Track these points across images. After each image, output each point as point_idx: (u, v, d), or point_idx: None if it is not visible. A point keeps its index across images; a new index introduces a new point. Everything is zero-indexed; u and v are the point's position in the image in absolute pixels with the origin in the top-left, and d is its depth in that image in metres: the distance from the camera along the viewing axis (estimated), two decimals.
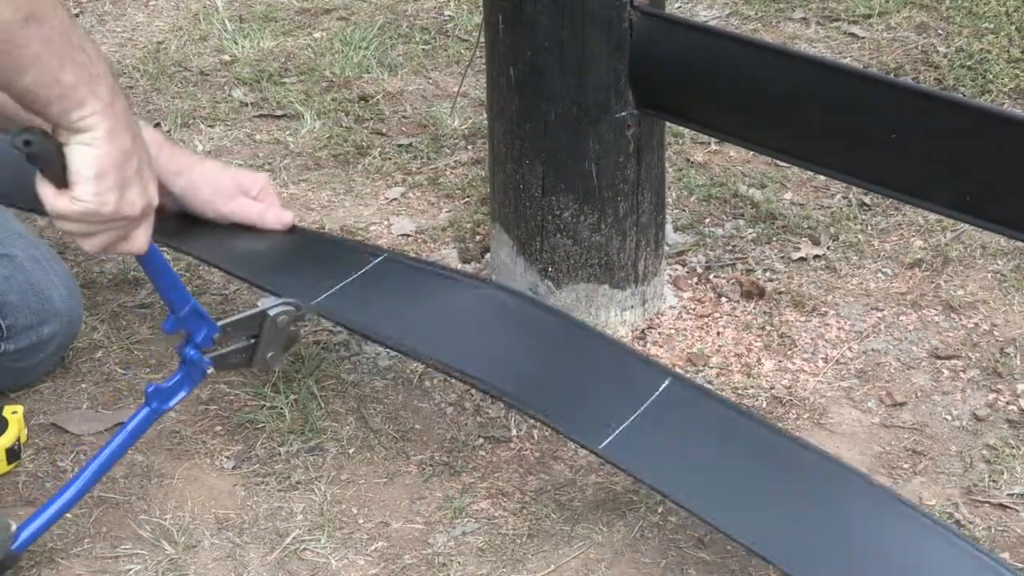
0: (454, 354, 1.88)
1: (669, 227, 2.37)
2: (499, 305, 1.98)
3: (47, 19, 1.34)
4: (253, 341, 1.82)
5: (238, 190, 2.02)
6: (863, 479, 1.72)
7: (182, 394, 1.80)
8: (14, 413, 1.91)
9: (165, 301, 1.75)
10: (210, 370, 1.79)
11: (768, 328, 2.21)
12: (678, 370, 2.02)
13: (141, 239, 1.54)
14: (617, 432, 1.74)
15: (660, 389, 1.79)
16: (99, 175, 1.42)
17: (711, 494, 1.69)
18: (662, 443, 1.75)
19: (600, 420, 1.76)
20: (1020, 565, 1.77)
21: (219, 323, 1.78)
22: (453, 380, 2.11)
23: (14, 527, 1.69)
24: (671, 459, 1.74)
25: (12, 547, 1.68)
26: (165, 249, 2.07)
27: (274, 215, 2.04)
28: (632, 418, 1.76)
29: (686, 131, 2.66)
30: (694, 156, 2.66)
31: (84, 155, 1.41)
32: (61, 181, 1.44)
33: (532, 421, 2.03)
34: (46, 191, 1.45)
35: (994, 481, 1.91)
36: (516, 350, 1.92)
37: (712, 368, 2.13)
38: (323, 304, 1.93)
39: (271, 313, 1.81)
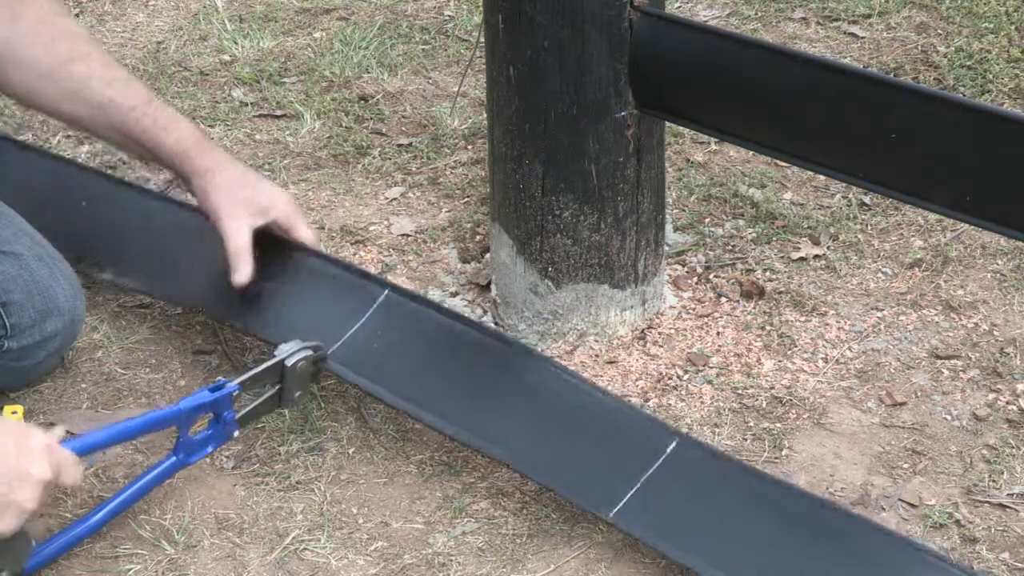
0: (461, 423, 1.89)
1: (669, 227, 2.37)
2: (504, 363, 1.97)
3: None
4: (278, 388, 1.86)
5: (254, 211, 2.01)
6: (881, 532, 1.73)
7: (209, 450, 1.84)
8: (14, 413, 1.91)
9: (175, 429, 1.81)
10: (236, 432, 1.85)
11: (768, 328, 2.21)
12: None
13: (70, 481, 1.64)
14: (627, 498, 1.76)
15: (668, 450, 1.81)
16: None
17: (730, 560, 1.70)
18: (673, 507, 1.77)
19: (610, 486, 1.78)
20: (1021, 565, 1.78)
21: (238, 380, 1.82)
22: None
23: (34, 544, 1.71)
24: (683, 523, 1.76)
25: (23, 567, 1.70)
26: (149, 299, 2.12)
27: (243, 274, 2.00)
28: (641, 482, 1.78)
29: (686, 131, 2.66)
30: (694, 156, 2.67)
31: None
32: None
33: None
34: None
35: (994, 481, 1.91)
36: (521, 414, 1.92)
37: (712, 368, 2.13)
38: (335, 355, 1.95)
39: (289, 363, 1.85)
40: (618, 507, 1.76)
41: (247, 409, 1.85)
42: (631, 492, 1.77)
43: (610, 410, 1.89)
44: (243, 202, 1.98)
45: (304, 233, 2.04)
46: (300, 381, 1.88)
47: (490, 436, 1.87)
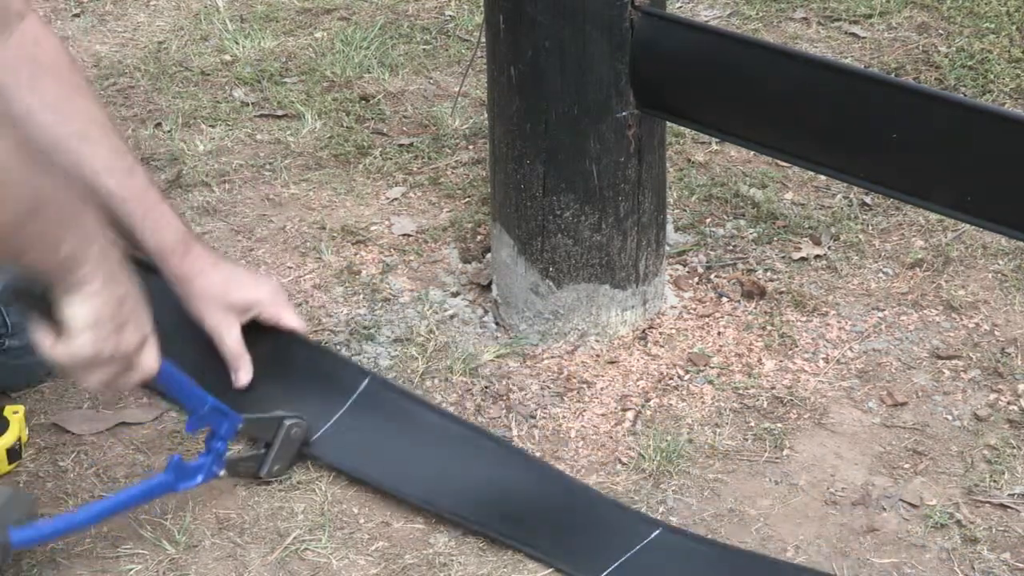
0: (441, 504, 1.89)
1: (670, 227, 2.37)
2: (487, 458, 1.96)
3: (50, 202, 1.37)
4: (264, 451, 1.89)
5: (240, 312, 1.98)
6: None
7: (199, 480, 1.84)
8: (15, 413, 1.91)
9: (182, 406, 1.78)
10: (222, 472, 1.85)
11: (769, 328, 2.21)
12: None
13: (144, 368, 1.58)
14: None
15: (649, 537, 1.82)
16: (96, 325, 1.47)
17: None
18: None
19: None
20: (1022, 566, 1.77)
21: (242, 416, 1.84)
22: (454, 379, 2.11)
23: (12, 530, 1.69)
24: None
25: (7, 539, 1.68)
26: None
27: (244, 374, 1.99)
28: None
29: (687, 131, 2.66)
30: (695, 156, 2.66)
31: (80, 310, 1.46)
32: (52, 321, 1.48)
33: (534, 420, 2.03)
34: (44, 339, 1.50)
35: (995, 481, 1.91)
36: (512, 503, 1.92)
37: (713, 368, 2.13)
38: (319, 441, 1.95)
39: (286, 424, 1.88)
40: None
41: (231, 456, 1.87)
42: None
43: (583, 504, 1.89)
44: (228, 307, 1.98)
45: (290, 321, 2.03)
46: (287, 450, 1.90)
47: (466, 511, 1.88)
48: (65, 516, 1.78)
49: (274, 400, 1.96)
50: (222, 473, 1.85)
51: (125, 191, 1.95)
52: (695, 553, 1.80)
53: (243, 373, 1.98)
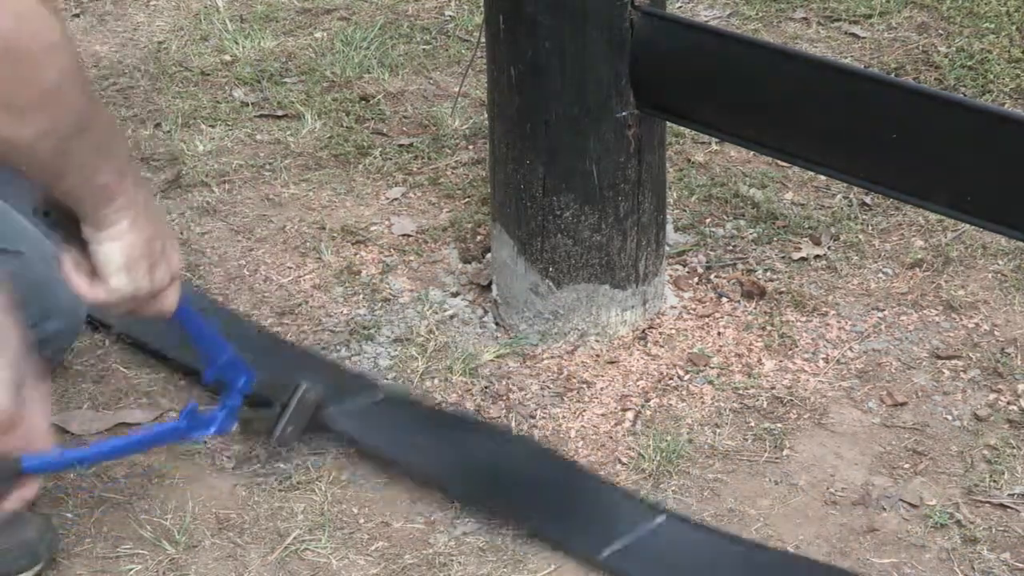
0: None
1: (670, 227, 2.37)
2: (490, 441, 2.00)
3: (94, 127, 1.37)
4: (279, 411, 1.83)
5: None
6: None
7: (211, 430, 1.77)
8: None
9: (201, 354, 1.75)
10: (234, 427, 1.79)
11: (769, 328, 2.21)
12: (678, 369, 2.03)
13: (169, 301, 1.57)
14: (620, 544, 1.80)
15: (656, 523, 1.84)
16: (129, 265, 1.47)
17: None
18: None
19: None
20: (1022, 566, 1.77)
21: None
22: (453, 379, 2.11)
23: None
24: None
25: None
26: None
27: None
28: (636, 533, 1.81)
29: (687, 131, 2.66)
30: (695, 156, 2.66)
31: (114, 249, 1.46)
32: (83, 256, 1.47)
33: (533, 420, 2.03)
34: (79, 283, 1.50)
35: (995, 481, 1.91)
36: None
37: (713, 368, 2.13)
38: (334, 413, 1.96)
39: (303, 387, 1.83)
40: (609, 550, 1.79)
41: (245, 415, 1.82)
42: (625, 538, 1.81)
43: (587, 487, 1.91)
44: None
45: None
46: (301, 414, 1.86)
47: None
48: (78, 449, 1.76)
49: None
50: (235, 428, 1.80)
51: None
52: (700, 541, 1.81)
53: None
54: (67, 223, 1.46)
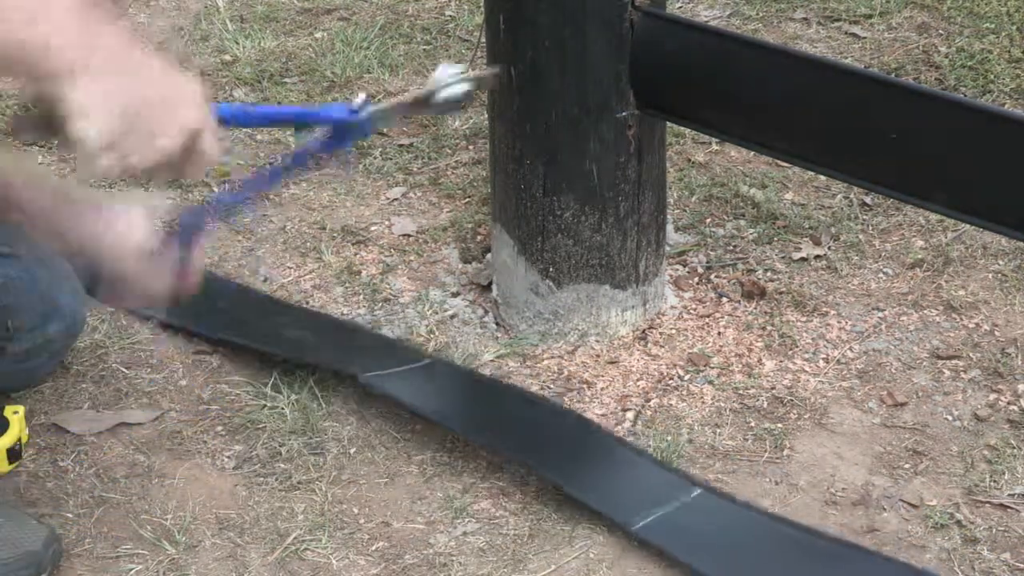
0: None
1: (670, 227, 2.37)
2: (531, 408, 2.05)
3: None
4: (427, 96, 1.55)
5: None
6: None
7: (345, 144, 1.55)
8: (15, 413, 1.91)
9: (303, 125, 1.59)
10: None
11: (769, 328, 2.21)
12: (682, 368, 2.03)
13: (209, 155, 1.35)
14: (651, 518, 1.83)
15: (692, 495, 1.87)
16: (92, 109, 1.26)
17: None
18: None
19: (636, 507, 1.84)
20: (1022, 566, 1.77)
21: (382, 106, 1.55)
22: None
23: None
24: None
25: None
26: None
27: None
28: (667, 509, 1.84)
29: (687, 131, 2.66)
30: (695, 156, 2.66)
31: (79, 101, 1.25)
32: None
33: None
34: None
35: (995, 481, 1.91)
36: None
37: (713, 368, 2.13)
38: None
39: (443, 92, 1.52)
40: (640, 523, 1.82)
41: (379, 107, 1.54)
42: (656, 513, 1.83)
43: (624, 457, 1.95)
44: None
45: None
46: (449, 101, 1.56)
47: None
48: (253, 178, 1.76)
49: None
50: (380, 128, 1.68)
51: None
52: (735, 517, 1.83)
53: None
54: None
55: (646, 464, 1.93)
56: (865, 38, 3.05)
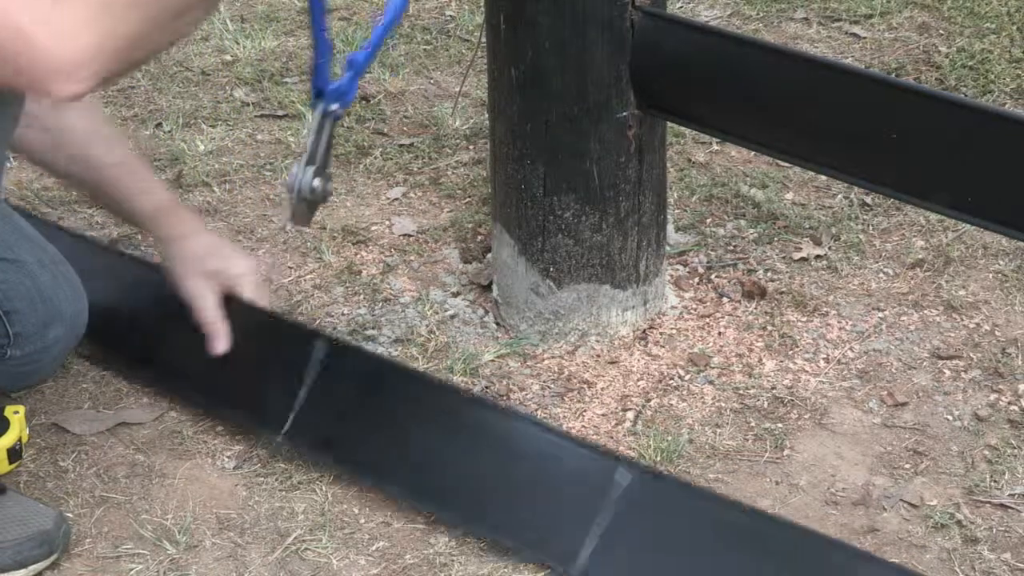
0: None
1: (670, 227, 2.37)
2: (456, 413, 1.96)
3: None
4: None
5: (216, 278, 2.01)
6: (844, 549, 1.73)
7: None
8: (16, 413, 1.91)
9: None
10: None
11: (769, 328, 2.21)
12: (679, 369, 2.03)
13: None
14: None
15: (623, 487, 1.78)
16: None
17: None
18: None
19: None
20: (1023, 566, 1.78)
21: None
22: (454, 380, 2.11)
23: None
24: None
25: None
26: None
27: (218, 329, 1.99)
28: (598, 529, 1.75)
29: (687, 131, 2.66)
30: (695, 156, 2.67)
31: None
32: None
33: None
34: None
35: (995, 481, 1.91)
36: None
37: (713, 368, 2.13)
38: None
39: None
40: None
41: None
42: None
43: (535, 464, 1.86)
44: (205, 274, 2.01)
45: (259, 300, 2.06)
46: None
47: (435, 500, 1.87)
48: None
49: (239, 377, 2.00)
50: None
51: (115, 156, 1.99)
52: (684, 507, 1.77)
53: (219, 341, 1.99)
54: None
55: (555, 459, 1.84)
56: (865, 38, 3.05)
